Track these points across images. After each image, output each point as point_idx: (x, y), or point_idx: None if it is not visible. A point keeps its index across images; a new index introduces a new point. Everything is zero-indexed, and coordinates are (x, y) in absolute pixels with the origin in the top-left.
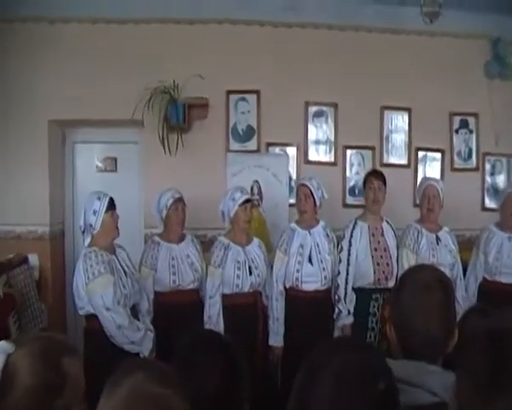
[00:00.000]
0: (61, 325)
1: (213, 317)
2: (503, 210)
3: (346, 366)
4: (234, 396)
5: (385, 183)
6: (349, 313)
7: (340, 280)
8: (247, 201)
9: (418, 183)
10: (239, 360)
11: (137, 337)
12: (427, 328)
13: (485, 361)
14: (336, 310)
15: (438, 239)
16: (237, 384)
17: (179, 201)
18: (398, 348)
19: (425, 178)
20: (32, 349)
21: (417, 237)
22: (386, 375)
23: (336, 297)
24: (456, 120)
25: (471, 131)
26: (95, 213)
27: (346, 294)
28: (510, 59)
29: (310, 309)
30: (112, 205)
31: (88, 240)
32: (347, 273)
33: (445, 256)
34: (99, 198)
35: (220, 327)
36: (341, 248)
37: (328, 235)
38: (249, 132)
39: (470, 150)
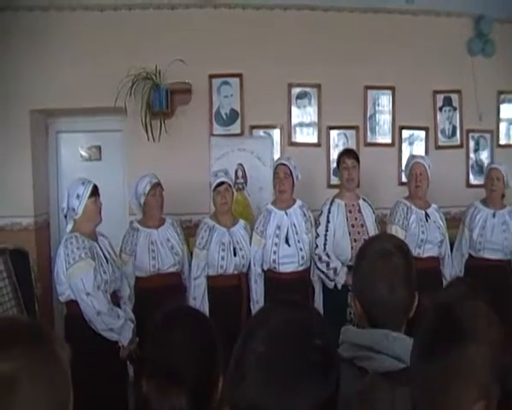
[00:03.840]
0: (49, 315)
1: (198, 298)
2: (485, 187)
3: (281, 323)
4: (211, 371)
5: (358, 160)
6: (342, 263)
7: (319, 250)
8: (220, 184)
9: (403, 161)
10: (215, 333)
11: (116, 325)
12: (391, 293)
13: (430, 329)
14: (330, 273)
15: (427, 216)
16: (214, 358)
17: (157, 186)
18: (363, 318)
19: (412, 156)
20: None
21: (407, 213)
22: (322, 333)
23: (323, 265)
24: (440, 97)
25: (455, 109)
26: (78, 197)
27: (328, 255)
28: (492, 36)
29: (288, 291)
30: (95, 192)
31: (70, 226)
32: (325, 245)
33: (434, 233)
34: (83, 183)
35: (205, 308)
36: (319, 223)
37: (305, 214)
38: (233, 116)
39: (454, 128)
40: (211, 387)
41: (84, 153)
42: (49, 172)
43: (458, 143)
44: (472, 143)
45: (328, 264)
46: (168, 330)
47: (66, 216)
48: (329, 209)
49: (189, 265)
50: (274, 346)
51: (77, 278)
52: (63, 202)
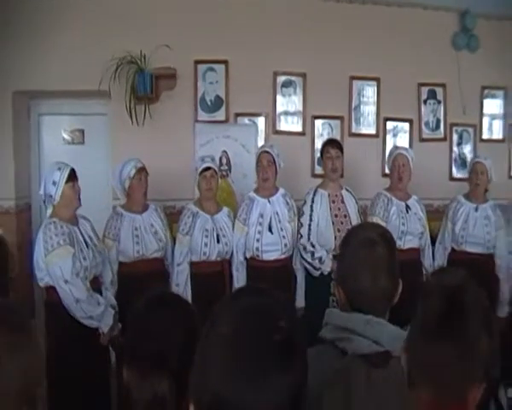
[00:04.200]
0: (29, 299)
1: (181, 284)
2: (469, 181)
3: (246, 306)
4: (193, 357)
5: (342, 151)
6: (327, 252)
7: (303, 240)
8: (207, 169)
9: (387, 153)
10: (197, 319)
11: (96, 313)
12: (374, 283)
13: (434, 311)
14: (316, 263)
15: (407, 207)
16: (196, 344)
17: (142, 170)
18: (347, 306)
19: (395, 147)
20: None
21: (387, 204)
22: (288, 316)
23: (308, 255)
24: (425, 90)
25: (439, 102)
26: (54, 183)
27: (313, 245)
28: (477, 31)
29: (270, 278)
30: (73, 176)
31: (49, 211)
32: (309, 234)
33: (414, 224)
34: (59, 168)
35: (188, 294)
36: (302, 212)
37: (287, 202)
38: (217, 103)
39: (438, 121)
40: None
41: (66, 136)
42: (30, 155)
43: (442, 136)
44: (455, 137)
45: (313, 254)
46: (150, 314)
47: (44, 202)
48: (313, 199)
49: (172, 251)
50: (238, 328)
51: (55, 265)
52: (40, 187)
